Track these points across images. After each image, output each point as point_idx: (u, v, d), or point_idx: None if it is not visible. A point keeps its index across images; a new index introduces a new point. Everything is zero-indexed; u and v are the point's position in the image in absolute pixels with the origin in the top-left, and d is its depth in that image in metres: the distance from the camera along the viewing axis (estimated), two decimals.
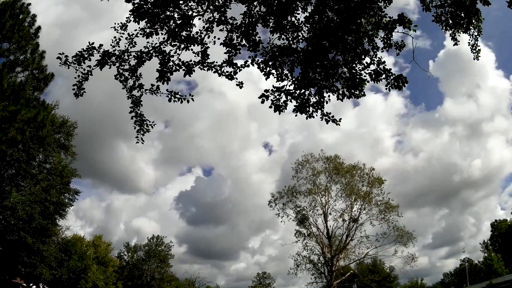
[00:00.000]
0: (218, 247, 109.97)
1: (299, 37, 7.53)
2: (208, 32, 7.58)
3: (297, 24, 7.46)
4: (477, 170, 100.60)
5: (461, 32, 8.59)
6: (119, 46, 7.42)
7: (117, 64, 7.47)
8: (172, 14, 7.29)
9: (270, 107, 7.37)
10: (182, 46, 7.52)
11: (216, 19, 7.46)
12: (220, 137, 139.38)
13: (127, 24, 7.40)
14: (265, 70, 7.48)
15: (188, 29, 7.46)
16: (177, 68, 7.56)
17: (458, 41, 8.76)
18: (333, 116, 7.47)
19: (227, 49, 7.57)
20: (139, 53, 7.49)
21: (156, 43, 7.48)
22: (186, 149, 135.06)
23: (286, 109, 7.49)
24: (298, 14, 7.41)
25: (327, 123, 7.44)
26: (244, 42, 7.51)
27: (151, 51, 7.51)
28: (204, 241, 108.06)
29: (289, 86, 7.52)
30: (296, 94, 7.51)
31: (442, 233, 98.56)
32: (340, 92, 7.49)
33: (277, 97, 7.42)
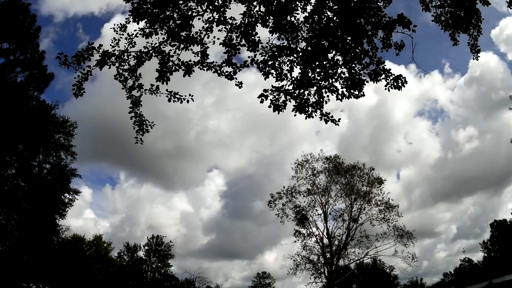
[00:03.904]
0: (248, 243, 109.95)
1: (299, 37, 7.53)
2: (208, 32, 7.57)
3: (296, 24, 7.47)
4: None
5: (461, 32, 8.60)
6: (118, 46, 7.42)
7: (117, 64, 7.46)
8: (172, 14, 7.29)
9: (269, 106, 7.37)
10: (182, 46, 7.52)
11: (215, 19, 7.46)
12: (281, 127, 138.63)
13: (127, 24, 7.41)
14: (264, 70, 7.48)
15: (188, 29, 7.46)
16: (177, 68, 7.55)
17: (458, 41, 8.77)
18: (332, 116, 7.48)
19: (227, 49, 7.57)
20: (138, 53, 7.48)
21: (156, 43, 7.48)
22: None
23: (285, 109, 7.49)
24: (298, 14, 7.41)
25: (326, 123, 7.45)
26: (243, 42, 7.51)
27: (151, 51, 7.50)
28: (236, 235, 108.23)
29: (289, 86, 7.53)
30: (295, 94, 7.51)
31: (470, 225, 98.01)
32: (340, 92, 7.50)
33: (276, 97, 7.42)
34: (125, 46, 7.45)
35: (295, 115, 7.58)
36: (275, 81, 7.56)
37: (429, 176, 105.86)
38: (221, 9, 7.38)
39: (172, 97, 7.62)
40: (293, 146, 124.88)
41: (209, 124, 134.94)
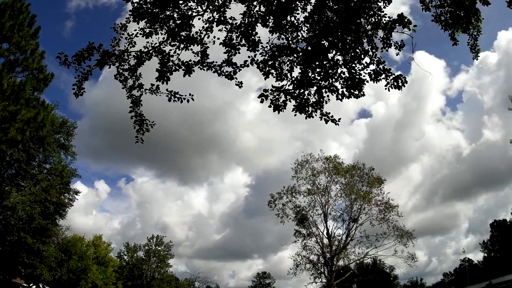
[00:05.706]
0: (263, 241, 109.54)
1: (299, 37, 7.53)
2: (208, 32, 7.58)
3: (296, 24, 7.47)
4: None
5: (461, 32, 8.60)
6: (118, 46, 7.43)
7: (117, 64, 7.47)
8: (172, 14, 7.30)
9: (270, 106, 7.38)
10: (182, 46, 7.53)
11: (215, 19, 7.47)
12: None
13: (127, 24, 7.41)
14: (264, 69, 7.49)
15: (188, 29, 7.47)
16: (177, 68, 7.57)
17: (458, 41, 8.77)
18: (332, 116, 7.48)
19: (227, 49, 7.58)
20: (138, 53, 7.49)
21: (156, 43, 7.49)
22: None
23: (285, 108, 7.49)
24: (298, 14, 7.42)
25: (326, 123, 7.44)
26: (243, 42, 7.52)
27: (151, 51, 7.51)
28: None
29: (289, 85, 7.53)
30: (295, 94, 7.51)
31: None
32: (340, 92, 7.50)
33: (276, 96, 7.42)
34: (125, 46, 7.46)
35: (295, 115, 7.59)
36: (275, 81, 7.57)
37: (451, 170, 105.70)
38: (221, 9, 7.39)
39: (172, 97, 7.63)
40: (323, 141, 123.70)
41: (236, 115, 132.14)
